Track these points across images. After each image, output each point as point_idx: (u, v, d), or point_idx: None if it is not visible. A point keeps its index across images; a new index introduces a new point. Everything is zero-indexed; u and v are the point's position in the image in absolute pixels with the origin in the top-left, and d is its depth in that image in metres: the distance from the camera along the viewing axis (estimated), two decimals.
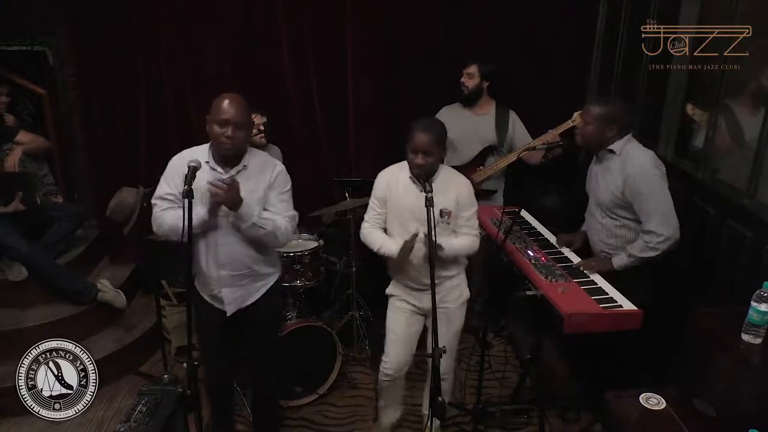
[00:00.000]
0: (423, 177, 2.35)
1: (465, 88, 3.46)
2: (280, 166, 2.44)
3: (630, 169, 2.51)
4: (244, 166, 2.33)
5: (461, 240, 2.52)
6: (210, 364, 2.63)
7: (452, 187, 2.46)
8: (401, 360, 2.66)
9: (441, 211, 2.42)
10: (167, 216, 2.33)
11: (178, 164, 2.33)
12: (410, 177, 2.46)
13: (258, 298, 2.51)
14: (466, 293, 2.66)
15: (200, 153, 2.33)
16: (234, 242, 2.36)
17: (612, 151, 2.59)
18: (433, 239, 2.15)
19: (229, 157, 2.30)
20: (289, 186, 2.46)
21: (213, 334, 2.54)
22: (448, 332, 2.60)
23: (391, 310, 2.68)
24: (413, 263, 2.49)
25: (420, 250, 2.45)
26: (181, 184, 2.22)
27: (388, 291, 2.69)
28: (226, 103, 2.23)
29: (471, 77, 3.43)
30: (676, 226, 2.50)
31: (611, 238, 2.68)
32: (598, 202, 2.71)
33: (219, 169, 2.31)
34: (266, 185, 2.37)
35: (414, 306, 2.62)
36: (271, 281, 2.55)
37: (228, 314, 2.47)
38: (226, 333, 2.54)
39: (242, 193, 2.29)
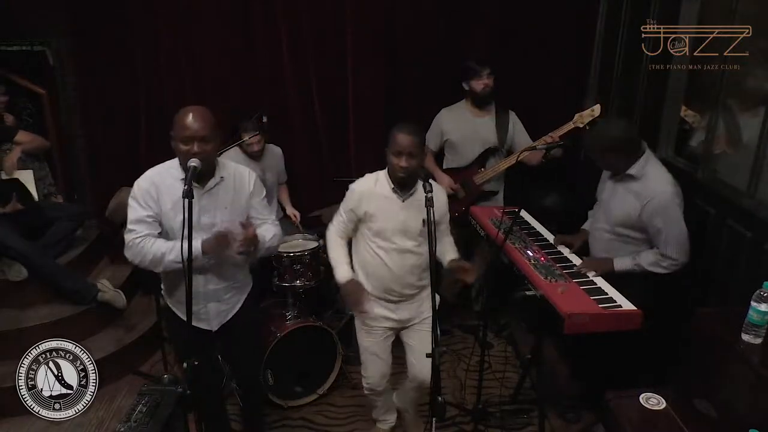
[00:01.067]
0: (414, 179, 2.33)
1: (489, 89, 3.44)
2: (253, 174, 2.39)
3: (651, 195, 2.47)
4: (222, 177, 2.27)
5: (452, 250, 2.56)
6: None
7: (437, 197, 2.35)
8: (382, 373, 2.65)
9: (423, 220, 2.33)
10: (150, 246, 2.18)
11: (148, 185, 2.22)
12: (392, 188, 2.40)
13: (238, 309, 2.46)
14: (437, 299, 2.57)
15: (170, 171, 2.24)
16: (222, 258, 2.30)
17: (631, 176, 2.55)
18: (433, 242, 2.09)
19: (202, 173, 2.17)
20: (264, 191, 2.45)
21: (195, 353, 2.24)
22: (428, 340, 2.54)
23: (361, 329, 2.61)
24: (399, 274, 2.45)
25: (408, 258, 2.43)
26: (156, 205, 2.20)
27: None
28: (187, 118, 2.12)
29: (490, 77, 3.42)
30: (689, 252, 2.51)
31: (614, 250, 2.67)
32: (608, 216, 2.68)
33: (195, 183, 2.18)
34: (247, 194, 2.33)
35: (387, 320, 2.56)
36: (248, 290, 2.51)
37: (213, 330, 2.41)
38: (207, 349, 2.46)
39: (225, 205, 2.27)
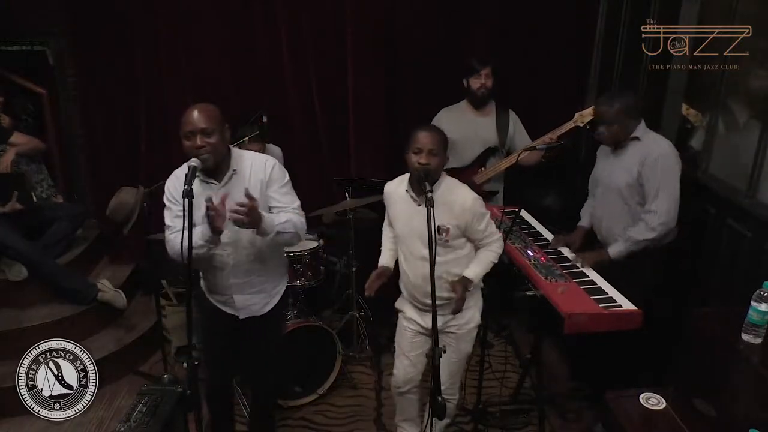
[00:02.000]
0: (423, 178, 2.18)
1: (485, 90, 3.41)
2: (272, 161, 2.33)
3: (653, 148, 2.58)
4: (234, 170, 2.25)
5: (484, 255, 2.37)
6: (212, 364, 2.58)
7: (453, 201, 2.28)
8: (407, 375, 2.60)
9: (439, 227, 2.25)
10: (179, 240, 2.17)
11: (174, 181, 2.27)
12: (406, 190, 2.34)
13: (272, 308, 2.47)
14: (476, 319, 2.50)
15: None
16: (243, 249, 2.30)
17: (636, 138, 2.64)
18: (434, 244, 2.02)
19: (212, 167, 2.18)
20: (287, 177, 2.36)
21: (219, 337, 2.49)
22: (453, 357, 2.45)
23: (399, 325, 2.61)
24: (416, 283, 2.40)
25: (423, 267, 2.30)
26: (181, 200, 2.18)
27: (396, 304, 2.61)
28: (188, 114, 2.13)
29: (488, 78, 3.40)
30: (675, 212, 2.56)
31: (625, 223, 2.69)
32: (613, 186, 2.72)
33: (211, 180, 2.22)
34: (262, 184, 2.28)
35: (419, 325, 2.51)
36: (282, 287, 2.52)
37: (241, 317, 2.42)
38: (231, 336, 2.48)
39: (238, 197, 2.20)
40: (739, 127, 2.77)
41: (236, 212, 2.06)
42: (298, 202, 2.38)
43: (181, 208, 2.17)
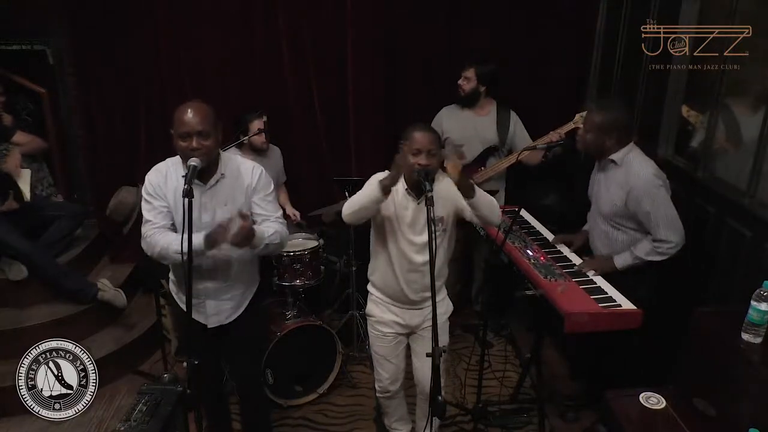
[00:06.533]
0: (424, 177, 2.16)
1: (462, 91, 3.45)
2: (259, 168, 2.33)
3: (633, 182, 2.50)
4: (222, 174, 2.24)
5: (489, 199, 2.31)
6: (193, 368, 2.55)
7: (448, 193, 2.31)
8: (395, 378, 2.61)
9: (442, 218, 2.32)
10: (158, 239, 2.19)
11: (157, 176, 2.24)
12: (406, 189, 2.32)
13: (241, 313, 2.44)
14: (450, 306, 2.57)
15: (175, 166, 2.24)
16: (222, 254, 2.27)
17: (614, 162, 2.59)
18: (434, 243, 2.01)
19: (203, 169, 2.16)
20: (272, 186, 2.37)
21: (195, 342, 2.38)
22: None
23: (372, 333, 2.58)
24: (407, 277, 2.39)
25: (415, 258, 2.36)
26: (171, 194, 2.20)
27: (367, 311, 2.59)
28: (184, 114, 2.11)
29: (468, 81, 3.42)
30: (683, 233, 2.52)
31: (612, 244, 2.68)
32: (599, 210, 2.71)
33: (198, 181, 2.19)
34: (247, 190, 2.29)
35: (397, 325, 2.50)
36: (251, 292, 2.47)
37: (209, 326, 2.39)
38: (208, 341, 2.45)
39: (223, 201, 2.24)
40: (739, 127, 2.77)
41: (235, 236, 2.09)
42: (280, 211, 2.43)
43: (164, 204, 2.22)
